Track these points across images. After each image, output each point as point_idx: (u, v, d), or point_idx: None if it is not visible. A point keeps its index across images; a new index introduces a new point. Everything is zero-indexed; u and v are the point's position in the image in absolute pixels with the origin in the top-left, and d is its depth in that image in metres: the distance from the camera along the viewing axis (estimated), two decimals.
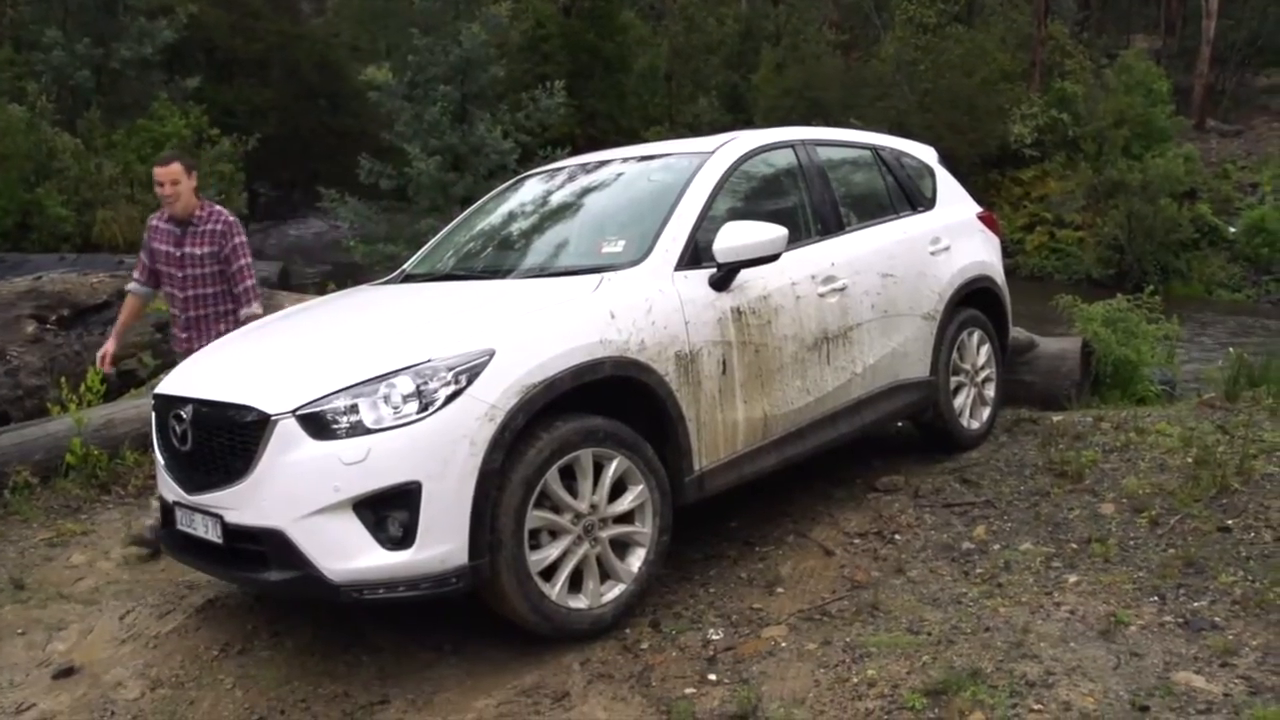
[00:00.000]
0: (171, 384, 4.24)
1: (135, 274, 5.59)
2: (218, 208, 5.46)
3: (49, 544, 5.34)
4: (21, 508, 5.66)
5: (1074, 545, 4.51)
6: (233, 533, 3.71)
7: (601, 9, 33.39)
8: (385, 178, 19.52)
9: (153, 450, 4.29)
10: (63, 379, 6.50)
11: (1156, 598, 3.95)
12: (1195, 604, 3.87)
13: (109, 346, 5.56)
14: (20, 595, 4.78)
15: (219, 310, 5.41)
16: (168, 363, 6.93)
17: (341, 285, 8.07)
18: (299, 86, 31.67)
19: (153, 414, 4.27)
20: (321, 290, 9.93)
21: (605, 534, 3.92)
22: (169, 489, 4.08)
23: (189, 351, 5.07)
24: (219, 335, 5.15)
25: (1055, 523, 4.78)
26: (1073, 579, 4.18)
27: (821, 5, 34.70)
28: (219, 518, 3.74)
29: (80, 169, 19.68)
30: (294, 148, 29.69)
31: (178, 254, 5.35)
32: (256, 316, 5.26)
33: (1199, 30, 31.77)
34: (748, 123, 27.22)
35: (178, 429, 3.93)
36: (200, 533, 3.87)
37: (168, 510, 4.14)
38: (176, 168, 5.30)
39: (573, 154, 14.61)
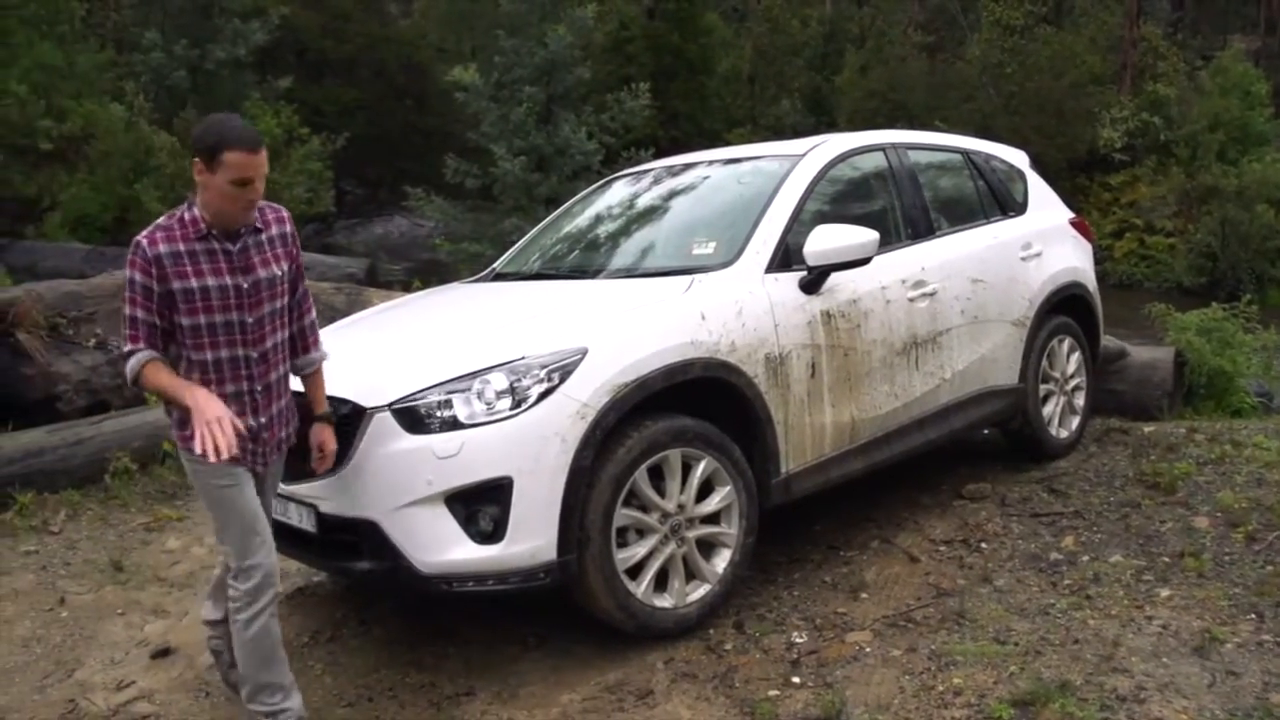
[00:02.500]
0: None
1: (136, 343, 3.18)
2: (262, 201, 3.35)
3: (146, 528, 5.50)
4: (121, 492, 5.84)
5: (1166, 559, 4.43)
6: (327, 522, 3.78)
7: (685, 11, 33.38)
8: (471, 177, 19.74)
9: None
10: None
11: (1254, 615, 3.86)
12: None
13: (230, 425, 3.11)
14: (119, 577, 4.94)
15: (288, 367, 3.49)
16: None
17: (426, 282, 8.20)
18: (386, 87, 32.17)
19: None
20: (408, 287, 10.09)
21: (692, 534, 3.94)
22: None
23: (268, 454, 3.41)
24: (281, 410, 3.44)
25: (1146, 535, 4.69)
26: (1165, 593, 4.10)
27: (907, 7, 34.35)
28: (313, 507, 3.82)
29: (176, 166, 20.16)
30: (381, 147, 30.13)
31: (246, 285, 3.25)
32: (321, 362, 3.63)
33: None
34: (831, 125, 27.08)
35: None
36: (294, 521, 3.95)
37: None
38: (265, 153, 3.23)
39: (655, 156, 14.66)
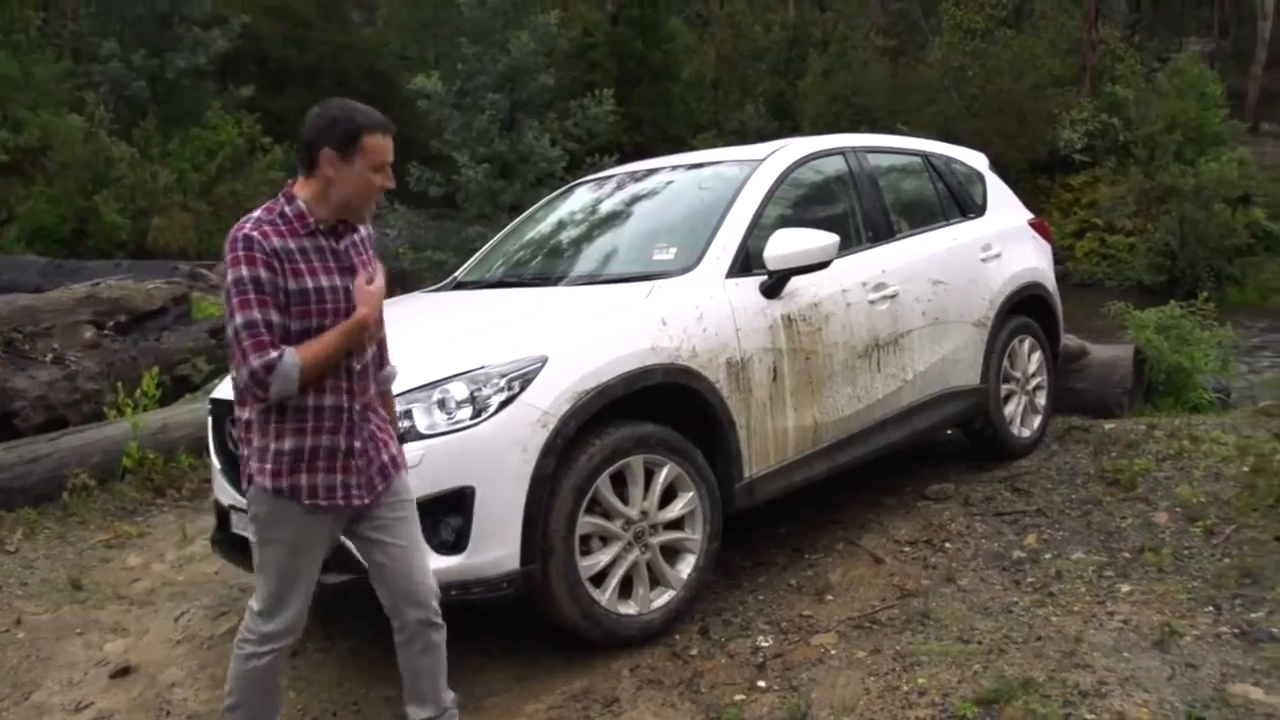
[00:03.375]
0: (227, 389, 4.29)
1: (276, 348, 2.74)
2: None
3: (106, 546, 5.43)
4: (80, 509, 5.77)
5: (1127, 554, 4.47)
6: None
7: (649, 17, 33.47)
8: (434, 185, 19.65)
9: (208, 454, 4.35)
10: (120, 384, 6.62)
11: (1212, 608, 3.90)
12: (1252, 614, 3.82)
13: None
14: (78, 596, 4.87)
15: (374, 384, 3.08)
16: (221, 368, 7.03)
17: (390, 292, 8.12)
18: (349, 95, 31.19)
19: (209, 418, 4.34)
20: None
21: (655, 540, 3.93)
22: (224, 492, 4.13)
23: (369, 482, 2.99)
24: (374, 433, 3.03)
25: (1108, 531, 4.73)
26: (1126, 588, 4.14)
27: (869, 11, 34.56)
28: None
29: (136, 177, 20.03)
30: None
31: (352, 287, 2.91)
32: (393, 380, 3.22)
33: (1254, 32, 31.34)
34: (794, 129, 27.19)
35: (233, 433, 3.98)
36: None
37: (223, 513, 4.19)
38: None
39: (620, 161, 14.67)
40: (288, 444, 2.88)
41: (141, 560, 5.24)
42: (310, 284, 2.80)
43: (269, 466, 2.89)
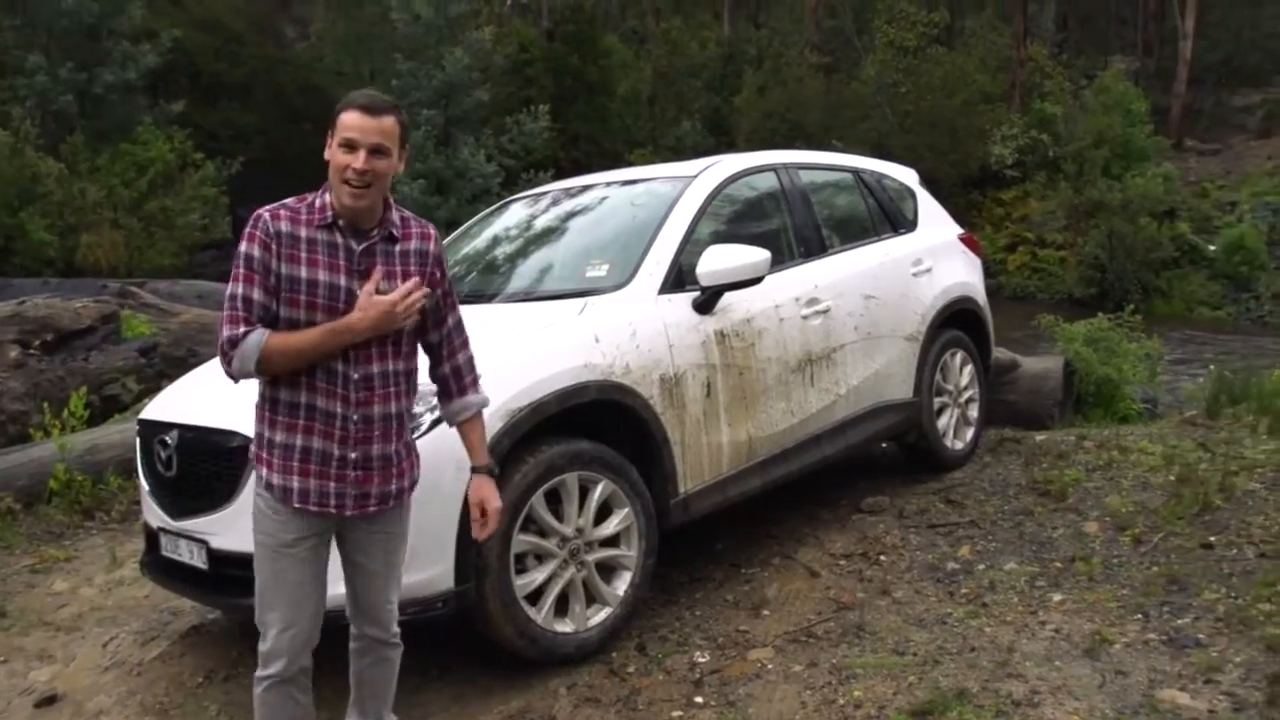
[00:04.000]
0: (156, 409, 4.23)
1: (249, 324, 2.73)
2: (409, 213, 3.04)
3: (32, 571, 5.30)
4: (4, 534, 5.62)
5: (1058, 564, 4.54)
6: (218, 558, 3.70)
7: (585, 33, 33.54)
8: None
9: (137, 476, 4.27)
10: (46, 404, 6.48)
11: (1140, 615, 3.97)
12: (1179, 621, 3.90)
13: None
14: (2, 623, 4.74)
15: (407, 406, 2.97)
16: (151, 388, 6.91)
17: None
18: (283, 110, 31.73)
19: (137, 440, 4.26)
20: None
21: (591, 557, 3.92)
22: (154, 515, 4.06)
23: (363, 498, 2.88)
24: (388, 457, 2.90)
25: (1039, 542, 4.80)
26: (1057, 598, 4.20)
27: (803, 28, 34.94)
28: (204, 543, 3.73)
29: (64, 193, 19.66)
30: (278, 171, 29.55)
31: (359, 291, 2.78)
32: (481, 409, 3.17)
33: (1176, 51, 32.14)
34: (730, 145, 27.39)
35: (162, 454, 3.92)
36: (185, 558, 3.85)
37: (152, 536, 4.12)
38: (391, 123, 2.77)
39: (556, 177, 14.69)
40: (279, 437, 2.83)
41: (69, 585, 5.12)
42: (304, 274, 2.75)
43: (263, 455, 2.87)
